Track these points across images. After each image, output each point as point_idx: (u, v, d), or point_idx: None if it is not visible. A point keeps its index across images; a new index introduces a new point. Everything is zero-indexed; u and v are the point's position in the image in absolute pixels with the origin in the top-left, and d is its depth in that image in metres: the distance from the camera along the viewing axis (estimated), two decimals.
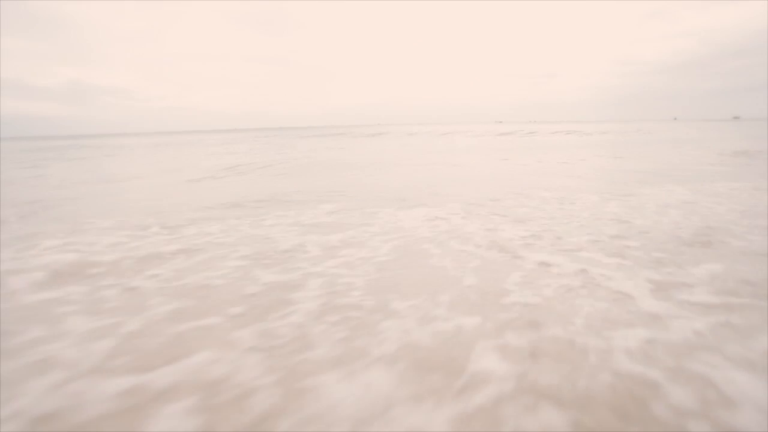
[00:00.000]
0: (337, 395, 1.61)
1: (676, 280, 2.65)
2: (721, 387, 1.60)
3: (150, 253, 3.44)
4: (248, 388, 1.66)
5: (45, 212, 5.45)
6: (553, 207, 4.89)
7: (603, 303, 2.36)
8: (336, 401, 1.58)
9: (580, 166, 9.72)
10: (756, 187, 5.87)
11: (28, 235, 4.15)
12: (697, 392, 1.58)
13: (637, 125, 42.08)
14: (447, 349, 1.93)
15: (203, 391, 1.64)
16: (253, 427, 1.47)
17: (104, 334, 2.12)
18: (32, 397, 1.63)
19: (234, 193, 6.66)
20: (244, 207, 5.42)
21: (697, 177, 7.05)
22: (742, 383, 1.62)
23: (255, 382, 1.70)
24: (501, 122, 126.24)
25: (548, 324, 2.13)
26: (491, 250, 3.34)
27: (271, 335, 2.10)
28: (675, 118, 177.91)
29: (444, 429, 1.44)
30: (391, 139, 27.70)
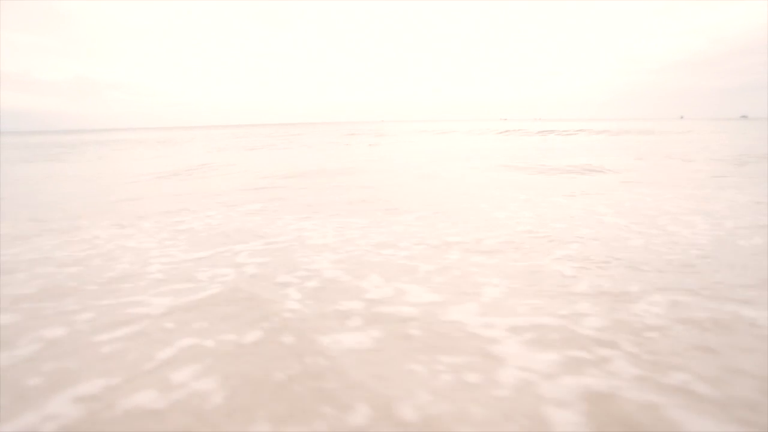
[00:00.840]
0: None
1: None
2: None
3: None
4: None
5: None
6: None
7: None
8: None
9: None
10: None
11: None
12: None
13: (644, 125, 39.73)
14: None
15: None
16: None
17: None
18: None
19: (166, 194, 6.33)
20: (188, 203, 5.37)
21: None
22: None
23: None
24: (506, 119, 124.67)
25: None
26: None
27: None
28: (681, 117, 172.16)
29: None
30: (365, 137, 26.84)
